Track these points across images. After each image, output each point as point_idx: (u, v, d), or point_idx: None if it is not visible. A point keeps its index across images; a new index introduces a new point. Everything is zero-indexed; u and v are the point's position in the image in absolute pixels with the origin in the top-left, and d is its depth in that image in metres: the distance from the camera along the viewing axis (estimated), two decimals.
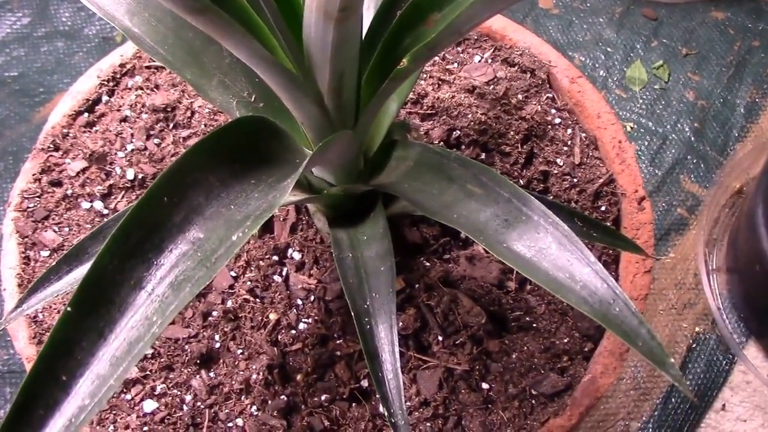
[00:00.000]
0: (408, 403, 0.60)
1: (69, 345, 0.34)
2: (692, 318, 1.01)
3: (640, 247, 0.55)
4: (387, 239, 0.53)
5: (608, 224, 0.65)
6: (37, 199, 0.68)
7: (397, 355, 0.48)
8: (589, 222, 0.55)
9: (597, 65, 1.14)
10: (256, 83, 0.56)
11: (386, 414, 0.47)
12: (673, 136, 1.09)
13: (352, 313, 0.49)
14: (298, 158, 0.48)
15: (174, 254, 0.38)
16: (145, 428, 0.59)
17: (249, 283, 0.63)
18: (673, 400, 0.97)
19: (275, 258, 0.64)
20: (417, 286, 0.62)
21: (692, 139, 1.08)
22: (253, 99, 0.56)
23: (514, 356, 0.61)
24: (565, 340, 0.61)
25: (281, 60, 0.46)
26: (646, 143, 1.09)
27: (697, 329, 1.00)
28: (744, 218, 1.01)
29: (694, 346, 1.00)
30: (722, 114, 1.10)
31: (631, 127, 1.10)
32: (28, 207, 0.68)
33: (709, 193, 1.05)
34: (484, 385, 0.60)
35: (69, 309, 0.34)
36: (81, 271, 0.49)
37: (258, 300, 0.63)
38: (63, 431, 0.33)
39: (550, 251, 0.43)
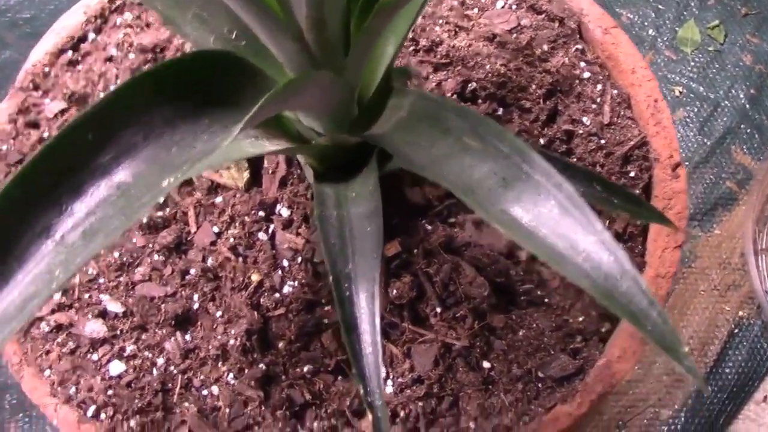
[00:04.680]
0: (400, 380, 0.54)
1: None
2: (736, 301, 0.93)
3: (666, 217, 0.48)
4: (377, 197, 0.47)
5: (634, 191, 0.58)
6: (12, 141, 0.63)
7: (378, 328, 0.42)
8: (609, 187, 0.48)
9: (646, 23, 1.06)
10: (237, 17, 0.50)
11: (362, 392, 0.41)
12: (726, 102, 1.00)
13: (330, 277, 0.43)
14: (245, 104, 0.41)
15: (93, 199, 0.32)
16: (110, 392, 0.54)
17: (232, 240, 0.57)
18: (709, 388, 0.90)
19: (261, 214, 0.58)
20: (415, 251, 0.55)
21: (747, 106, 1.00)
22: (234, 36, 0.50)
23: (521, 334, 0.54)
24: (580, 319, 0.54)
25: None
26: (696, 109, 1.00)
27: (740, 313, 0.93)
28: None
29: (736, 331, 0.92)
30: None
31: (680, 92, 1.01)
32: (1, 149, 0.63)
33: (762, 166, 0.97)
34: (485, 364, 0.54)
35: None
36: None
37: (240, 259, 0.57)
38: None
39: (551, 216, 0.36)
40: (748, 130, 0.99)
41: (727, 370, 0.91)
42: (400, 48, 0.47)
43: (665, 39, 1.05)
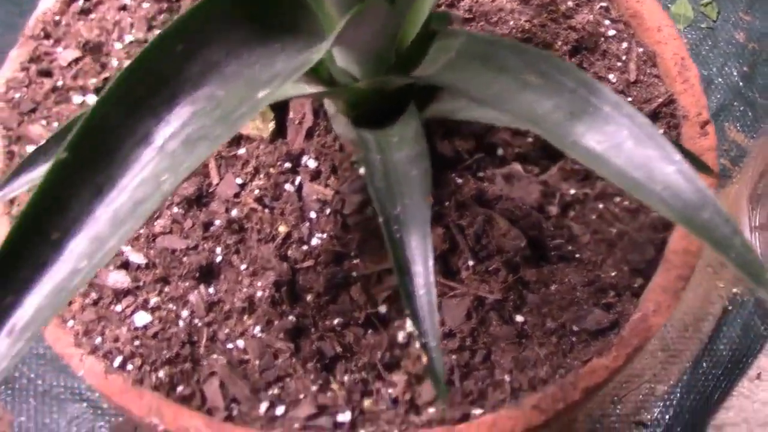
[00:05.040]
0: None
1: (61, 198, 0.28)
2: (730, 278, 0.94)
3: (704, 163, 0.48)
4: (421, 142, 0.46)
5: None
6: (24, 89, 0.61)
7: (431, 269, 0.41)
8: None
9: None
10: None
11: (417, 334, 0.40)
12: (719, 80, 1.01)
13: (380, 219, 0.42)
14: (320, 35, 0.40)
15: (186, 110, 0.31)
16: (137, 342, 0.52)
17: (257, 191, 0.56)
18: (704, 364, 0.90)
19: (288, 165, 0.57)
20: (447, 203, 0.55)
21: (740, 84, 1.00)
22: None
23: (553, 288, 0.54)
24: (612, 274, 0.54)
25: None
26: None
27: (734, 290, 0.93)
28: None
29: (730, 308, 0.93)
30: None
31: None
32: (14, 97, 0.61)
33: (756, 143, 0.98)
34: (519, 318, 0.53)
35: (63, 155, 0.27)
36: None
37: (267, 210, 0.56)
38: (51, 296, 0.26)
39: (626, 146, 0.35)
40: (741, 108, 1.00)
41: (722, 347, 0.92)
42: None
43: None
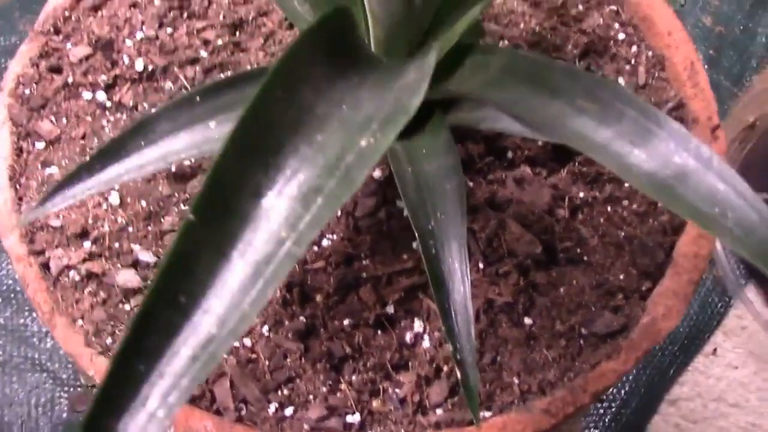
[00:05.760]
0: (437, 334, 0.54)
1: (189, 260, 0.27)
2: None
3: None
4: (452, 153, 0.46)
5: None
6: (34, 85, 0.60)
7: (468, 286, 0.42)
8: None
9: None
10: None
11: (452, 350, 0.41)
12: None
13: (416, 234, 0.42)
14: (376, 60, 0.40)
15: (294, 159, 0.30)
16: None
17: None
18: None
19: None
20: None
21: (706, 66, 1.02)
22: None
23: (562, 291, 0.54)
24: (621, 277, 0.55)
25: None
26: None
27: None
28: (755, 154, 0.97)
29: None
30: (741, 42, 1.04)
31: None
32: (24, 93, 0.60)
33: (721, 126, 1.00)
34: (527, 320, 0.54)
35: (191, 216, 0.27)
36: (116, 169, 0.40)
37: None
38: (189, 363, 0.26)
39: (692, 179, 0.36)
40: None
41: (679, 324, 0.95)
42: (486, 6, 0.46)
43: None
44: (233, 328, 0.26)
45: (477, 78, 0.45)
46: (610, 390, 0.90)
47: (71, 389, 0.88)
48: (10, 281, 0.91)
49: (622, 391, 0.92)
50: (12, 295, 0.91)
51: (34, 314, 0.88)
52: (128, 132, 0.40)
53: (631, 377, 0.92)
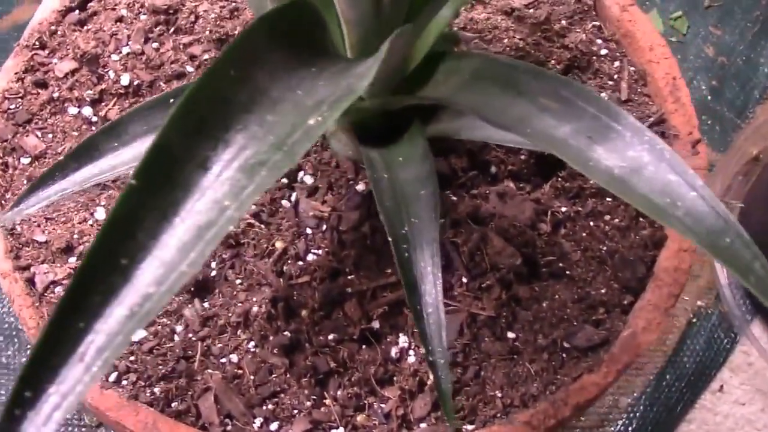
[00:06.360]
0: (422, 349, 0.54)
1: (131, 225, 0.28)
2: (694, 290, 0.95)
3: None
4: (428, 161, 0.47)
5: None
6: (20, 100, 0.61)
7: (440, 288, 0.42)
8: None
9: None
10: None
11: (424, 352, 0.42)
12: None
13: (390, 239, 0.43)
14: (341, 57, 0.41)
15: (241, 135, 0.31)
16: (131, 358, 0.52)
17: (254, 206, 0.56)
18: (667, 377, 0.92)
19: (284, 181, 0.57)
20: (443, 221, 0.55)
21: (709, 98, 1.02)
22: None
23: (544, 305, 0.55)
24: (602, 291, 0.55)
25: None
26: None
27: (698, 303, 0.95)
28: (760, 187, 0.96)
29: (694, 320, 0.94)
30: (744, 73, 1.04)
31: None
32: (9, 108, 0.61)
33: (723, 158, 1.00)
34: (510, 335, 0.54)
35: (134, 182, 0.28)
36: (90, 170, 0.42)
37: (263, 225, 0.56)
38: (124, 322, 0.27)
39: (647, 172, 0.37)
40: (709, 122, 1.02)
41: (685, 359, 0.93)
42: (457, 13, 0.47)
43: None
44: (170, 287, 0.27)
45: (450, 83, 0.46)
46: (618, 428, 0.89)
47: (74, 430, 0.88)
48: (12, 319, 0.92)
49: (630, 429, 0.91)
50: (14, 333, 0.91)
51: None
52: (101, 133, 0.42)
53: (638, 414, 0.91)
